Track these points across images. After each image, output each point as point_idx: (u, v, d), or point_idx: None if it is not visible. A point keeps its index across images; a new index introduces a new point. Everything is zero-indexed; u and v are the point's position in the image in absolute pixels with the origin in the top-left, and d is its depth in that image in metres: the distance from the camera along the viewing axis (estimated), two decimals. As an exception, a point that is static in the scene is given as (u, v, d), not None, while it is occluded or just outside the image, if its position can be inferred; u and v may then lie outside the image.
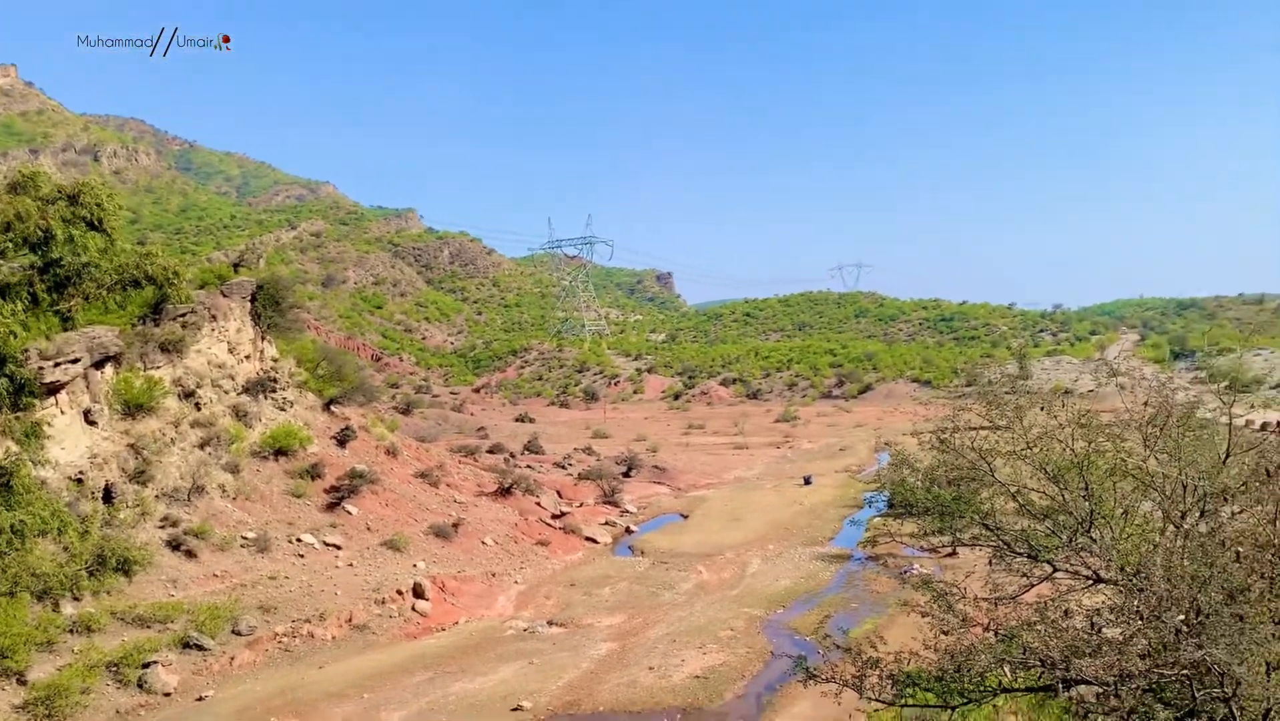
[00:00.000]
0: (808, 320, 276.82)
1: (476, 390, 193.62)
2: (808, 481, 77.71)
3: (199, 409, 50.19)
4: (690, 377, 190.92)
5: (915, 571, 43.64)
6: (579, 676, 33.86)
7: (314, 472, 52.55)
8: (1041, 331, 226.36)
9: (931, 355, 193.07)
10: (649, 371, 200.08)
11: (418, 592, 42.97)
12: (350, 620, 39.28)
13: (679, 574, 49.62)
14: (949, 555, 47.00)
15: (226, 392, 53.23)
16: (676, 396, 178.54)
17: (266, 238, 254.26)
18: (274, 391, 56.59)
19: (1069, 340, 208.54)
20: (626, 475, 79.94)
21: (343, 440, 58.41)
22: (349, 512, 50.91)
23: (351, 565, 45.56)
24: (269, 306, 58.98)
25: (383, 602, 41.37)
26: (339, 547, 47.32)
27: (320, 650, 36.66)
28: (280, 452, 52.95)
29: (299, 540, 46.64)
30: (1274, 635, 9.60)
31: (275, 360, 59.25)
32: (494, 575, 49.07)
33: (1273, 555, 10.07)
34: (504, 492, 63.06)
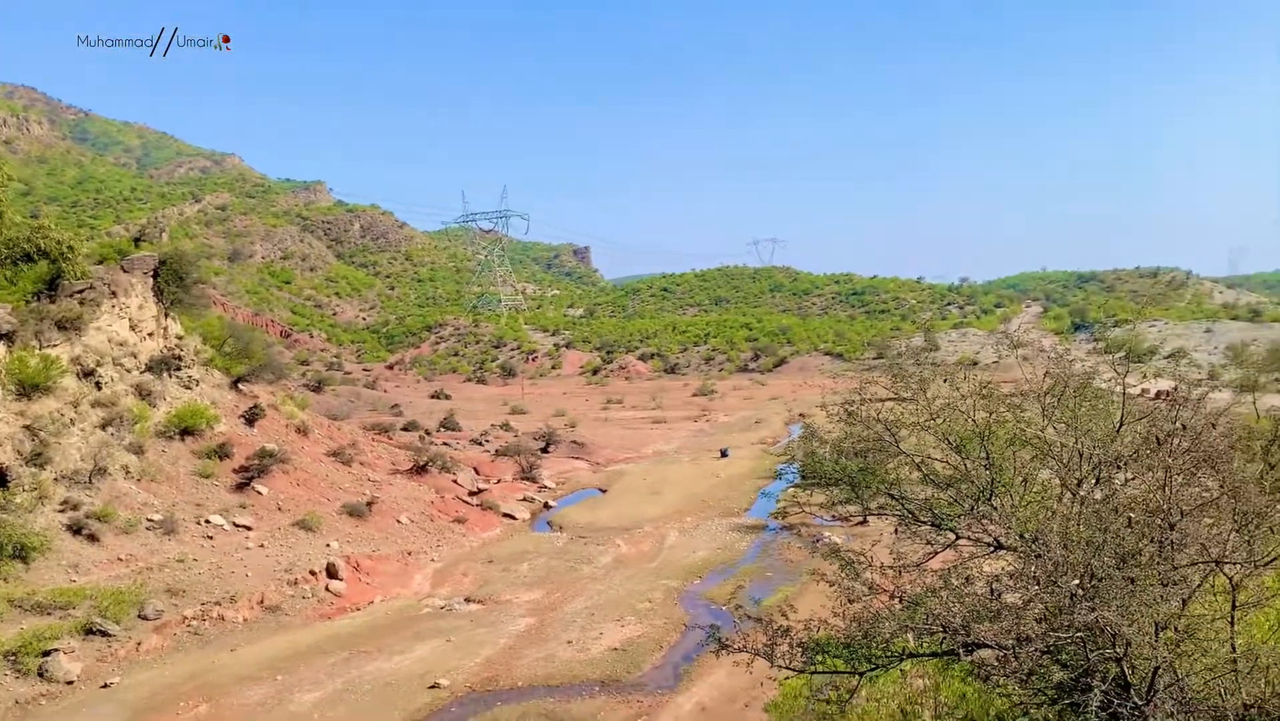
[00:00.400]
0: (724, 295, 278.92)
1: (390, 367, 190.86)
2: (725, 454, 78.55)
3: (100, 388, 48.45)
4: (608, 353, 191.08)
5: (826, 540, 44.50)
6: (497, 652, 33.78)
7: (222, 452, 51.24)
8: (949, 304, 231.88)
9: (844, 329, 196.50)
10: (567, 347, 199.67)
11: (331, 572, 42.31)
12: (262, 602, 38.51)
13: (597, 548, 49.76)
14: (859, 524, 48.01)
15: (129, 371, 51.47)
16: (595, 371, 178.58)
17: (169, 211, 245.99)
18: (179, 370, 54.92)
19: (975, 313, 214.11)
20: (545, 451, 79.75)
21: (251, 419, 57.04)
22: (259, 493, 49.81)
23: (263, 546, 44.62)
24: (172, 282, 57.06)
25: (295, 583, 40.63)
26: (249, 528, 46.29)
27: (231, 633, 35.88)
28: (186, 432, 51.48)
29: (207, 521, 45.48)
30: (1162, 597, 10.00)
31: (180, 337, 57.46)
32: (410, 553, 48.56)
33: (1162, 520, 10.47)
34: (419, 470, 62.38)
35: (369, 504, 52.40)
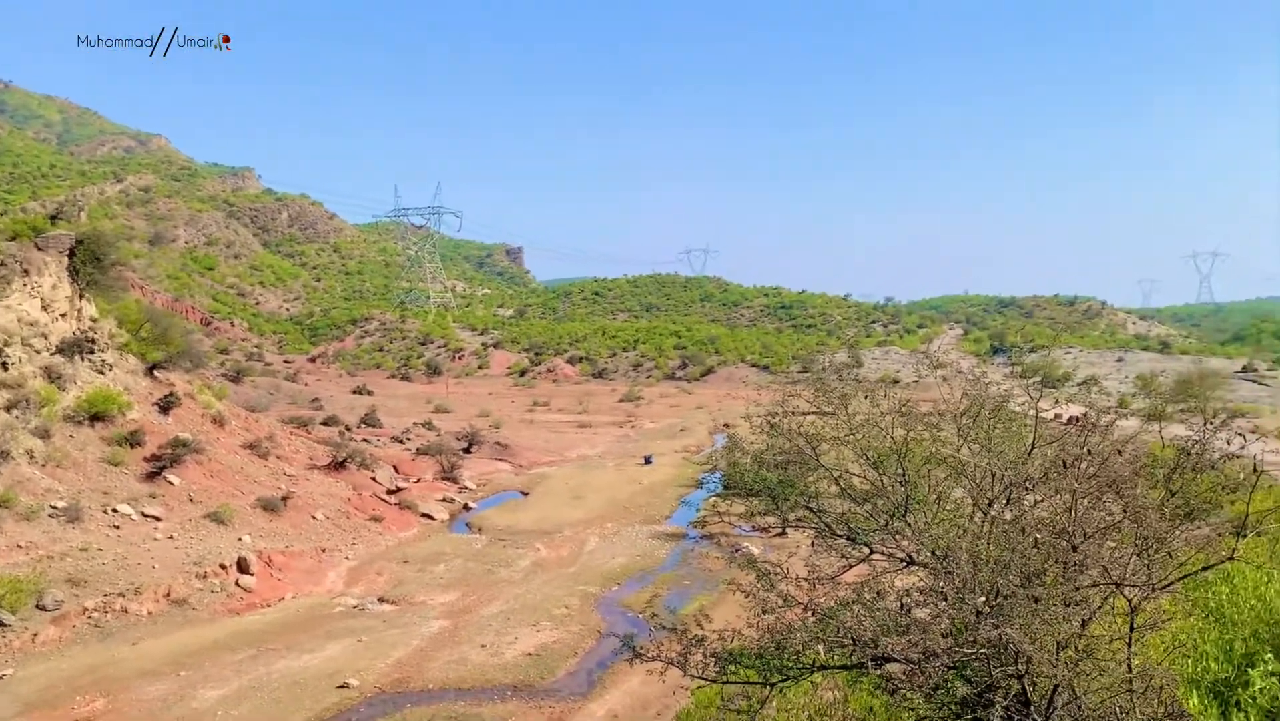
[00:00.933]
0: (655, 302, 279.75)
1: (312, 360, 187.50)
2: (648, 461, 78.70)
3: (6, 369, 46.74)
4: (537, 354, 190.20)
5: (744, 551, 44.86)
6: (409, 654, 33.37)
7: (134, 440, 49.77)
8: (874, 322, 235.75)
9: (771, 341, 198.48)
10: (495, 347, 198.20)
11: (242, 567, 41.39)
12: (168, 595, 37.49)
13: (516, 551, 49.48)
14: (778, 535, 48.50)
15: (38, 352, 49.74)
16: (522, 373, 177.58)
17: (90, 190, 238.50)
18: (92, 353, 53.21)
19: (899, 332, 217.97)
20: (467, 451, 79.04)
21: (166, 407, 55.53)
22: (171, 483, 48.49)
23: (172, 537, 43.43)
24: (89, 263, 55.28)
25: (204, 577, 39.65)
26: (159, 519, 45.02)
27: (135, 626, 34.85)
28: (97, 418, 49.90)
29: (115, 510, 44.11)
30: (1064, 616, 10.26)
31: (94, 320, 55.69)
32: (324, 550, 47.74)
33: (1067, 542, 10.76)
34: (338, 466, 61.36)
35: (284, 498, 51.38)
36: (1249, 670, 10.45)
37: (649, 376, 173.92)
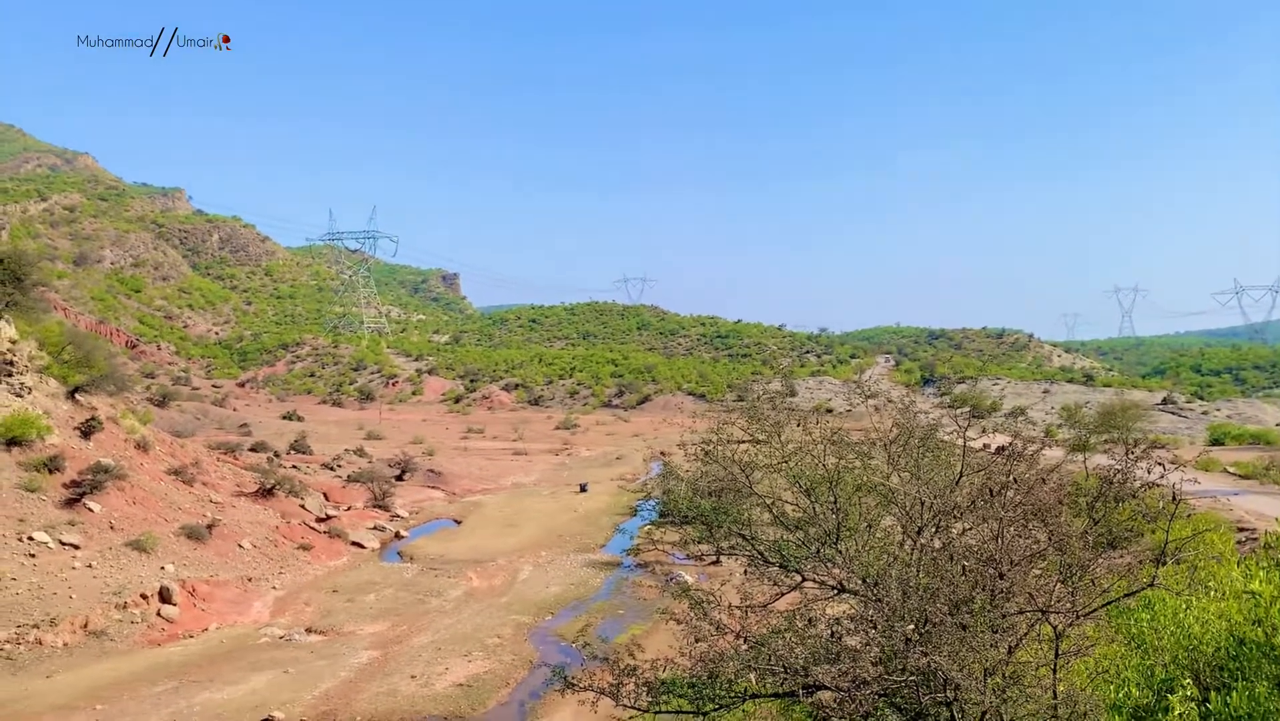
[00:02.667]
0: (592, 330, 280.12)
1: (241, 384, 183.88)
2: (584, 489, 78.40)
3: (-86, 392, 44.95)
4: (472, 381, 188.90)
5: (678, 578, 44.80)
6: (337, 685, 32.62)
7: (52, 465, 48.08)
8: (808, 352, 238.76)
9: (707, 370, 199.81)
10: (430, 373, 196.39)
11: (164, 597, 40.17)
12: (86, 626, 36.19)
13: (448, 580, 48.78)
14: (713, 563, 48.51)
15: (-51, 375, 47.94)
16: (457, 400, 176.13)
17: (11, 208, 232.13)
18: (9, 375, 51.46)
19: (832, 362, 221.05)
20: (400, 478, 77.94)
21: (87, 431, 53.84)
22: (91, 510, 46.93)
23: (91, 566, 41.98)
24: (8, 282, 53.62)
25: (124, 607, 38.37)
26: (77, 547, 43.49)
27: (49, 658, 33.55)
28: (13, 442, 48.15)
29: (30, 538, 42.50)
30: (991, 643, 10.39)
31: (13, 342, 53.91)
32: (250, 580, 46.56)
33: (994, 569, 10.92)
34: (266, 493, 60.02)
35: (210, 526, 50.06)
36: (1168, 695, 10.68)
37: (585, 404, 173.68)
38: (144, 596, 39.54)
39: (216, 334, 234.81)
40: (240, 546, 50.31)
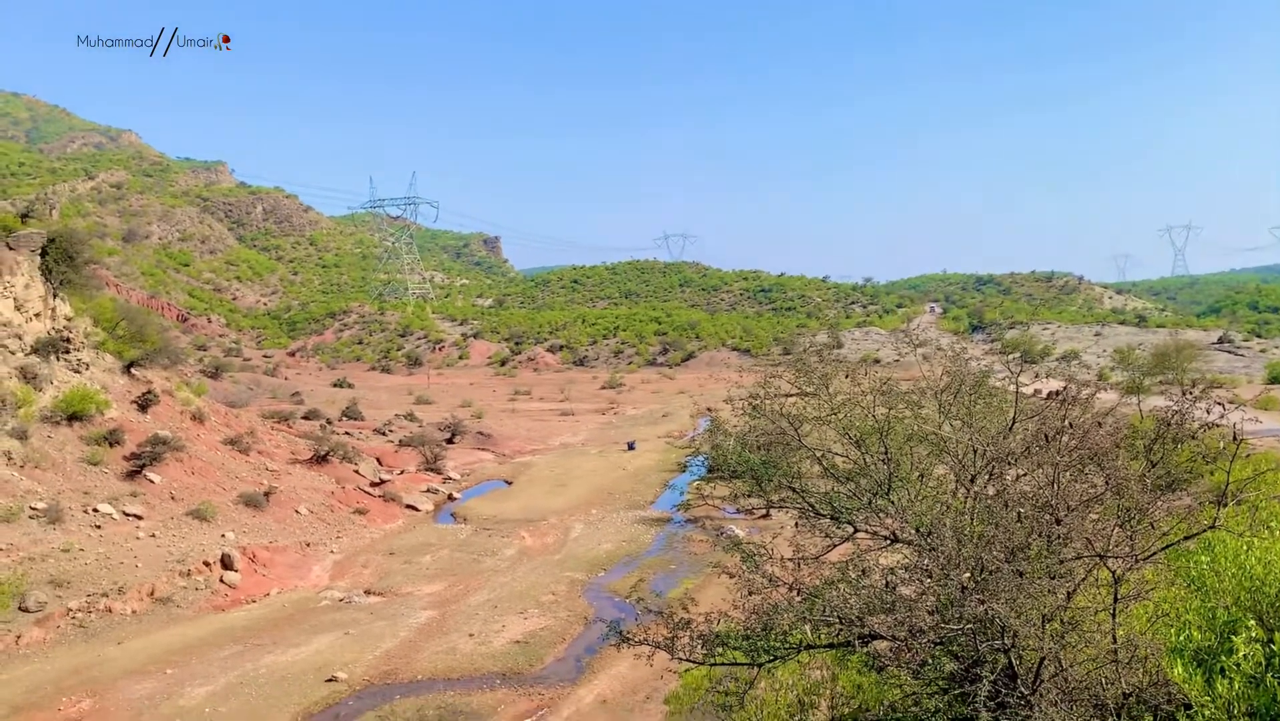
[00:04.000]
0: (635, 289, 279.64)
1: (292, 354, 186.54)
2: (631, 447, 78.74)
3: (-22, 371, 46.17)
4: (517, 344, 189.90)
5: (729, 533, 44.99)
6: (397, 645, 33.28)
7: (113, 439, 49.30)
8: (853, 303, 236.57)
9: (751, 325, 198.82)
10: (475, 337, 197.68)
11: (226, 563, 41.14)
12: (152, 593, 37.22)
13: (502, 540, 49.40)
14: (763, 516, 48.61)
15: (13, 353, 49.16)
16: (503, 362, 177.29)
17: (60, 187, 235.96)
18: (67, 352, 52.64)
19: (878, 312, 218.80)
20: (450, 442, 78.82)
21: (145, 405, 55.04)
22: (151, 481, 48.11)
23: (154, 536, 43.10)
24: (62, 261, 54.60)
25: (188, 574, 39.38)
26: (140, 517, 44.66)
27: (119, 625, 34.58)
28: (74, 417, 49.40)
29: (95, 510, 43.72)
30: (1049, 590, 10.30)
31: (69, 319, 55.08)
32: (308, 545, 47.52)
33: (1050, 515, 10.79)
34: (320, 460, 61.05)
35: (267, 494, 51.09)
36: (1232, 637, 10.53)
37: (630, 363, 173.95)
38: (206, 564, 40.53)
39: (265, 304, 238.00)
40: (297, 512, 51.30)
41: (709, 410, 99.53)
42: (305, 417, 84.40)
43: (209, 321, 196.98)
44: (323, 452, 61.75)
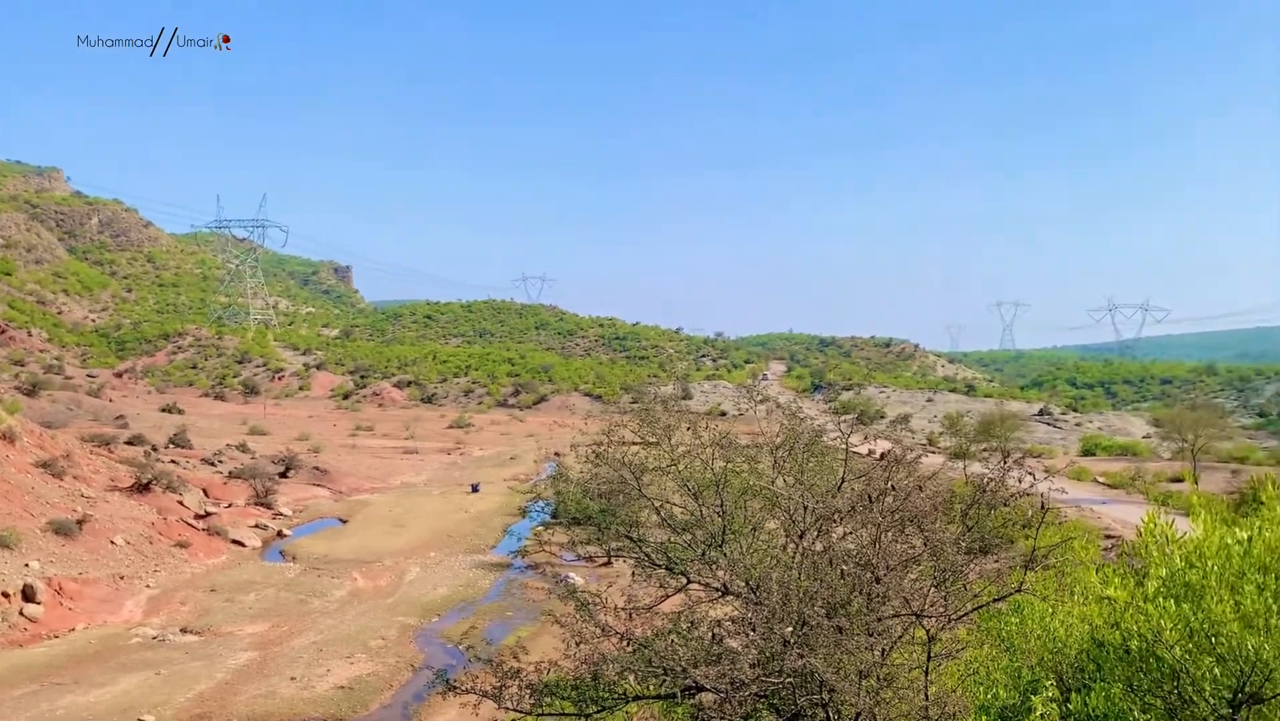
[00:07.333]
0: (490, 328, 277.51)
1: (119, 375, 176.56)
2: (476, 489, 77.59)
3: None
4: (363, 377, 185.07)
5: (568, 580, 44.73)
6: (212, 687, 31.62)
7: (-96, 457, 45.42)
8: (704, 356, 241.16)
9: (604, 371, 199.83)
10: (318, 368, 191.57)
11: (28, 595, 38.33)
12: (-63, 628, 34.28)
13: (332, 580, 47.72)
14: (604, 564, 48.48)
15: None
16: (346, 396, 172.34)
17: None
18: None
19: (727, 366, 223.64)
20: (284, 476, 75.86)
21: (-55, 422, 50.99)
22: (-54, 505, 44.44)
23: (-56, 565, 39.77)
24: None
25: (-19, 608, 36.46)
26: (-70, 544, 41.14)
27: (-106, 663, 31.67)
28: None
29: (-123, 535, 40.05)
30: (867, 645, 10.65)
31: None
32: (123, 578, 44.76)
33: (871, 573, 11.20)
34: (142, 488, 57.73)
35: (80, 521, 47.94)
36: (1032, 696, 11.13)
37: (480, 403, 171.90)
38: (5, 595, 37.71)
39: (93, 321, 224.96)
40: (113, 543, 48.32)
41: (557, 454, 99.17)
42: (129, 443, 79.78)
43: (29, 335, 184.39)
44: (145, 481, 58.44)
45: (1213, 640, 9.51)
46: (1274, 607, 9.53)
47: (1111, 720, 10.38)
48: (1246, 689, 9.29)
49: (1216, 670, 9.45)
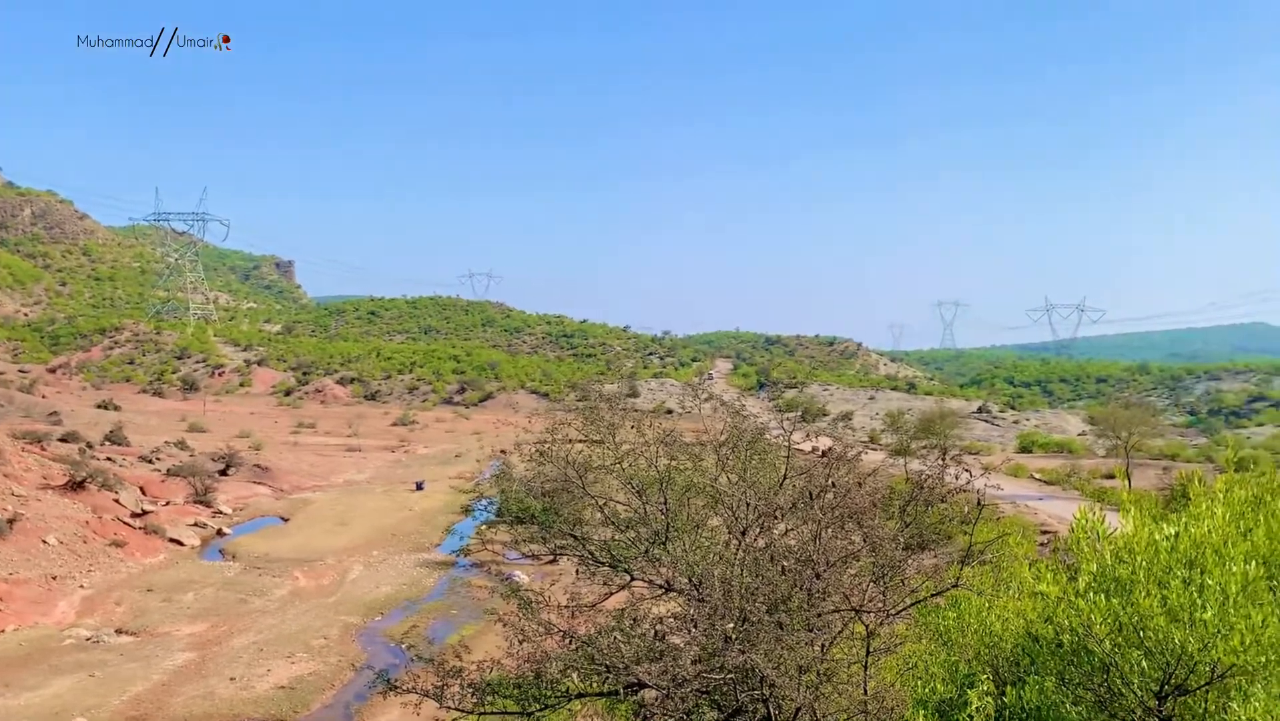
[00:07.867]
0: (435, 324, 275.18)
1: (52, 370, 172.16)
2: (420, 487, 76.97)
3: None
4: (305, 373, 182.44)
5: (513, 578, 44.60)
6: (149, 689, 31.04)
7: None
8: (651, 354, 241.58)
9: (551, 369, 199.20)
10: (259, 364, 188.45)
11: (-47, 599, 37.25)
12: None
13: (273, 580, 47.06)
14: (550, 562, 48.37)
15: None
16: (288, 392, 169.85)
17: None
18: None
19: (674, 364, 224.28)
20: (224, 473, 74.61)
21: None
22: None
23: None
24: None
25: (-96, 610, 35.39)
26: None
27: None
28: None
29: None
30: (807, 641, 10.78)
31: None
32: (55, 578, 43.71)
33: (811, 569, 11.33)
34: (75, 486, 56.41)
35: (10, 520, 46.75)
36: (968, 690, 11.34)
37: (425, 400, 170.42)
38: (-70, 597, 36.62)
39: (25, 315, 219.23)
40: (45, 542, 47.16)
41: (502, 452, 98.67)
42: (62, 440, 77.87)
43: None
44: (79, 479, 57.10)
45: (1140, 633, 9.75)
46: (1199, 601, 9.81)
47: (1045, 713, 10.61)
48: (1172, 681, 9.55)
49: (1144, 663, 9.68)
